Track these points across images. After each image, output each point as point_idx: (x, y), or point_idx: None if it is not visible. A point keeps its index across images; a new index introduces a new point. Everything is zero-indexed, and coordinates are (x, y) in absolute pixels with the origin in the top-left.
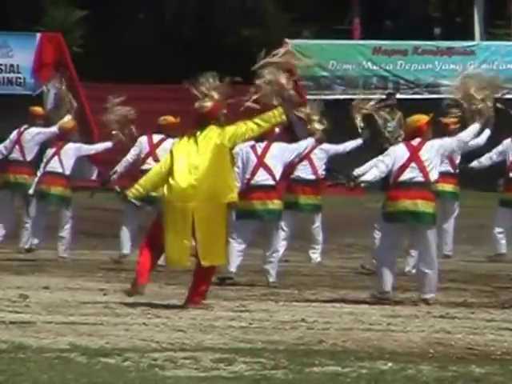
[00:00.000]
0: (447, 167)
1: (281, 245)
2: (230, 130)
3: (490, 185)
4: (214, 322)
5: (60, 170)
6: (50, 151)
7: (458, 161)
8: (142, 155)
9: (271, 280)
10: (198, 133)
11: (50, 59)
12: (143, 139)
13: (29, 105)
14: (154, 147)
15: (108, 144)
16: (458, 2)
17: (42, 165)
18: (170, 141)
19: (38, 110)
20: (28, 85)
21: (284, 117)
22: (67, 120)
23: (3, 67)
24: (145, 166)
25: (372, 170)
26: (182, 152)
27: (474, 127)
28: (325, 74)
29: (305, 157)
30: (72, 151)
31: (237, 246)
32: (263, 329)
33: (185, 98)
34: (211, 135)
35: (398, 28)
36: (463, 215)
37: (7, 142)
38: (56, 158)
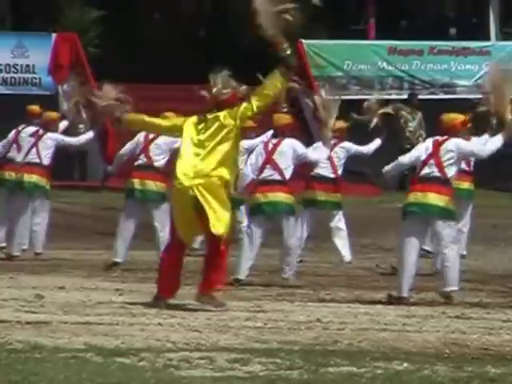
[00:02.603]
0: (462, 165)
1: (297, 242)
2: (238, 109)
3: (504, 184)
4: (230, 322)
5: (37, 161)
6: (29, 142)
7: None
8: (137, 151)
9: (284, 275)
10: (208, 114)
11: (66, 59)
12: (141, 135)
13: (45, 105)
14: (148, 143)
15: (90, 134)
16: (473, 3)
17: (21, 156)
18: (163, 137)
19: (35, 108)
20: (44, 85)
21: (285, 79)
22: (51, 113)
23: (19, 67)
24: (137, 162)
25: (394, 162)
26: (190, 132)
27: (498, 140)
28: (340, 74)
29: None
30: (50, 141)
31: (247, 252)
32: (278, 329)
33: (200, 98)
34: (219, 115)
35: (413, 28)
36: (477, 215)
37: (5, 141)
38: (34, 149)
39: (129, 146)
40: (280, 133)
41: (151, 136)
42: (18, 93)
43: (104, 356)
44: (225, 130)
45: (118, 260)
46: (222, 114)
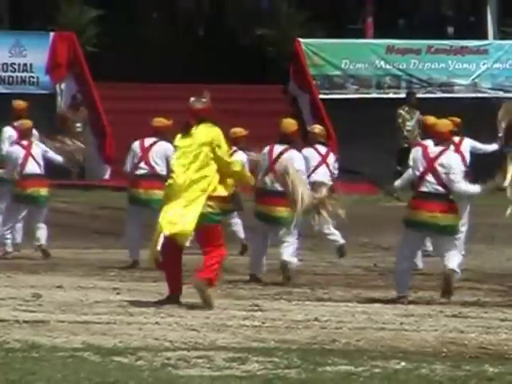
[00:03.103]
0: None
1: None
2: (222, 152)
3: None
4: (227, 321)
5: (38, 172)
6: (19, 153)
7: (468, 160)
8: (135, 160)
9: (283, 258)
10: (193, 129)
11: (64, 59)
12: (135, 145)
13: (42, 104)
14: (145, 151)
15: (59, 159)
16: (471, 1)
17: (18, 168)
18: (160, 144)
19: (22, 104)
20: (41, 84)
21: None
22: (24, 121)
23: (17, 66)
24: (138, 171)
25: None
26: (179, 150)
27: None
28: (338, 73)
29: (322, 161)
30: (41, 151)
31: (254, 247)
32: (276, 328)
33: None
34: (200, 132)
35: (411, 27)
36: (476, 214)
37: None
38: (31, 159)
39: (128, 161)
40: (288, 140)
41: (147, 144)
42: (16, 92)
43: (102, 355)
44: (204, 149)
45: (135, 258)
46: (203, 133)
